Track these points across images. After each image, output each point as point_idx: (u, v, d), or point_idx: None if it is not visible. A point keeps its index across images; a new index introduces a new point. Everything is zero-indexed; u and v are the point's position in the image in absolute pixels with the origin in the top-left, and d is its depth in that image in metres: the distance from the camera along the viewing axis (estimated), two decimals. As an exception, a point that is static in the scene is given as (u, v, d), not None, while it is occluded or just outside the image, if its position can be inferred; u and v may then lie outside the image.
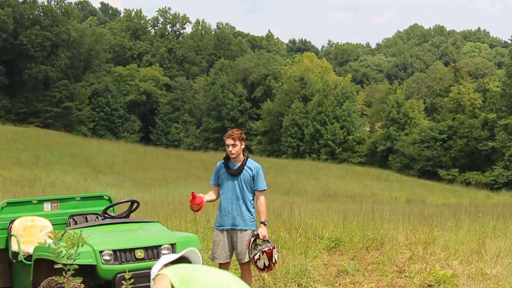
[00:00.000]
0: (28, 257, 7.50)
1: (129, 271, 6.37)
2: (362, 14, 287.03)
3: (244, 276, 7.49)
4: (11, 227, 7.95)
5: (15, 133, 62.86)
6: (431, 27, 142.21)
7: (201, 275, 3.87)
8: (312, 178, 53.14)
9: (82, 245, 6.21)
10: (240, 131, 7.59)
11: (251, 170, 7.48)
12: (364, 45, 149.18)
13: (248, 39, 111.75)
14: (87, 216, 8.40)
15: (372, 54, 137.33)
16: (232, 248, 7.49)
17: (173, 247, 7.32)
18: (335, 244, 10.99)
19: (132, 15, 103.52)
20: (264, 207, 7.47)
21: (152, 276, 4.04)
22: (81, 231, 6.47)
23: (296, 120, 78.04)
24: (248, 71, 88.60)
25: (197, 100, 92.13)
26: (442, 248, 11.12)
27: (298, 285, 8.64)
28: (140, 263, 7.06)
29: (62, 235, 6.57)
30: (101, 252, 6.92)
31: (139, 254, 7.09)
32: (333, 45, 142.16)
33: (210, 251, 8.03)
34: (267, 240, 7.42)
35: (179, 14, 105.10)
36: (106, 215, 8.12)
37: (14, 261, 7.79)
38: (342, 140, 75.20)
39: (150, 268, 6.99)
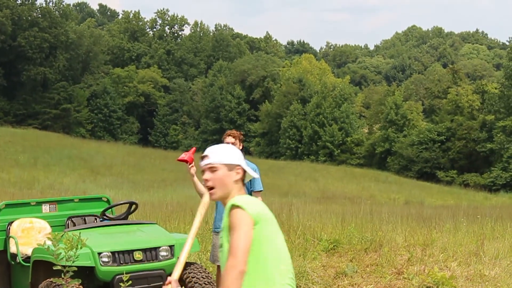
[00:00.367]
0: (27, 258, 7.50)
1: (127, 273, 6.37)
2: (360, 16, 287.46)
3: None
4: (9, 228, 7.96)
5: (13, 134, 62.83)
6: (429, 29, 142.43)
7: (273, 231, 3.51)
8: (310, 180, 53.14)
9: (81, 247, 6.21)
10: (239, 132, 7.61)
11: (248, 171, 7.47)
12: (363, 46, 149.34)
13: (247, 40, 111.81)
14: (86, 217, 8.41)
15: (370, 56, 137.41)
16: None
17: (171, 249, 7.32)
18: (334, 246, 10.99)
19: (130, 17, 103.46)
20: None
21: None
22: (80, 233, 6.48)
23: (294, 122, 78.05)
24: (247, 72, 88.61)
25: (195, 102, 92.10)
26: (440, 249, 11.12)
27: (296, 287, 8.62)
28: (138, 265, 7.06)
29: (61, 237, 6.57)
30: (99, 253, 6.93)
31: (138, 256, 7.10)
32: (332, 46, 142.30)
33: (209, 253, 8.03)
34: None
35: (177, 16, 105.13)
36: (105, 217, 8.13)
37: (13, 262, 7.79)
38: (341, 141, 75.20)
39: (148, 270, 7.09)
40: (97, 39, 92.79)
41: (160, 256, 7.19)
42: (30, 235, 7.95)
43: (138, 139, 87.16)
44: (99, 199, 8.97)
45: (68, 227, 8.11)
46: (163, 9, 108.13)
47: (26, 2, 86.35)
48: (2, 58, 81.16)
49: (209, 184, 3.60)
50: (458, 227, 14.11)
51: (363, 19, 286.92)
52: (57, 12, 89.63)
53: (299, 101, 79.46)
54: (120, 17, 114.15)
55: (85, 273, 6.92)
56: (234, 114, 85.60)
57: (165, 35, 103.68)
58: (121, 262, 7.01)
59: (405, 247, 11.33)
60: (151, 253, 7.17)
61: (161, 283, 6.80)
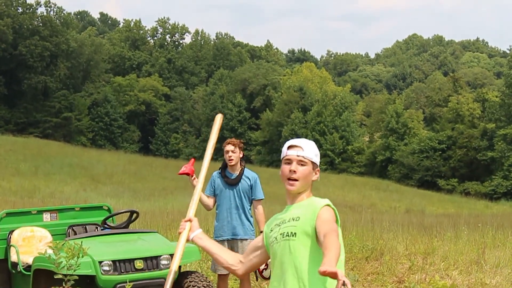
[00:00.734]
0: (28, 267, 7.50)
1: (128, 282, 6.37)
2: (361, 24, 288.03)
3: (244, 286, 7.48)
4: (10, 237, 7.96)
5: (14, 143, 62.83)
6: (430, 37, 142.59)
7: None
8: (311, 188, 53.04)
9: (82, 256, 6.21)
10: (239, 140, 7.62)
11: (249, 179, 7.51)
12: (363, 55, 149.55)
13: (247, 49, 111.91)
14: (87, 226, 8.41)
15: (371, 64, 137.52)
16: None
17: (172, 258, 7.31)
18: (335, 255, 10.95)
19: (131, 25, 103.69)
20: (263, 217, 7.49)
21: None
22: (81, 241, 6.48)
23: (295, 130, 78.04)
24: (247, 81, 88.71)
25: (196, 110, 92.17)
26: (441, 258, 11.11)
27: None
28: (139, 273, 7.05)
29: (62, 245, 6.57)
30: (100, 262, 6.92)
31: (139, 264, 7.09)
32: (332, 55, 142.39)
33: (210, 262, 8.02)
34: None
35: (178, 24, 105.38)
36: (106, 226, 8.14)
37: (14, 271, 7.79)
38: (341, 150, 75.21)
39: (149, 279, 7.08)
40: (98, 47, 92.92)
41: (161, 265, 7.18)
42: (31, 244, 7.95)
43: (139, 148, 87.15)
44: (100, 207, 8.98)
45: (69, 236, 8.12)
46: (164, 17, 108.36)
47: (27, 11, 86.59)
48: (3, 66, 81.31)
49: (295, 176, 3.67)
50: (459, 235, 14.10)
51: (364, 28, 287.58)
52: (58, 20, 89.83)
53: (300, 109, 79.50)
54: (121, 25, 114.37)
55: (86, 282, 6.91)
56: (235, 122, 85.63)
57: (166, 43, 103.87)
58: (122, 270, 7.01)
59: (406, 255, 11.32)
60: (152, 261, 7.17)
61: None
